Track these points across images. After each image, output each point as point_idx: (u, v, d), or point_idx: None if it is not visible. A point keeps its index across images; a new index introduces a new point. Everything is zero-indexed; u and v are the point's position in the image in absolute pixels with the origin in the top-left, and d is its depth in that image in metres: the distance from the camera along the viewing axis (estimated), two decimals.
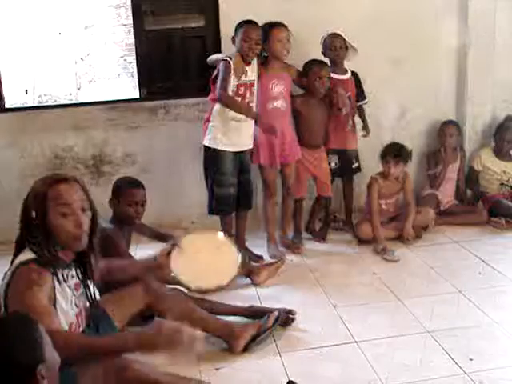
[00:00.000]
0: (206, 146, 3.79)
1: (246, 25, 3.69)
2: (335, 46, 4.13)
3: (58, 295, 2.12)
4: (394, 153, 4.15)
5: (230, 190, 3.79)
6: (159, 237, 3.39)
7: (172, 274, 2.43)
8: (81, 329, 2.29)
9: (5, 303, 2.07)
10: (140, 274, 2.65)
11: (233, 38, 3.75)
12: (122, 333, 2.24)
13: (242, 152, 3.84)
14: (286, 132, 3.96)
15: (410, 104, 4.75)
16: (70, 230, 2.10)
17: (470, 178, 4.77)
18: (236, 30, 3.73)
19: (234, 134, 3.73)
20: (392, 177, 4.20)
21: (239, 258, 2.61)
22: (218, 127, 3.71)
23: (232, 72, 3.61)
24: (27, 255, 2.09)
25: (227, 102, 3.63)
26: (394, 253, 3.95)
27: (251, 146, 3.88)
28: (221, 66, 3.62)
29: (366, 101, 4.35)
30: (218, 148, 3.73)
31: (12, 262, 2.15)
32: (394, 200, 4.31)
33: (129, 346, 1.96)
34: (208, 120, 3.78)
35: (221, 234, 2.75)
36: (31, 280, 2.02)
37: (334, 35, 4.13)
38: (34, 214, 2.09)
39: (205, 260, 2.50)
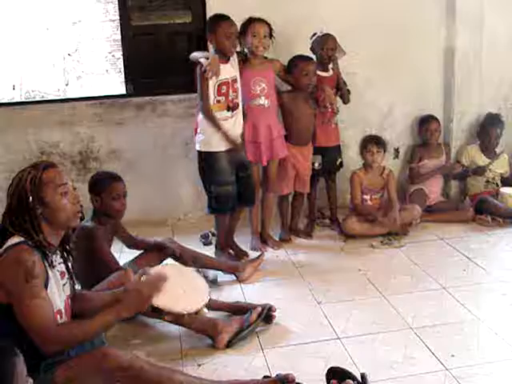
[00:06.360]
0: (199, 151, 3.76)
1: (222, 20, 3.62)
2: (328, 47, 4.11)
3: (50, 278, 2.19)
4: (375, 140, 4.25)
5: (230, 188, 3.76)
6: (137, 244, 3.43)
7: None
8: (65, 319, 2.30)
9: None
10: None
11: (209, 37, 3.66)
12: (107, 308, 2.26)
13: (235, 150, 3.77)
14: (273, 129, 3.94)
15: (398, 101, 4.77)
16: (69, 207, 2.25)
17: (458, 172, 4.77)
18: (210, 27, 3.65)
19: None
20: (375, 164, 4.25)
21: (207, 285, 2.81)
22: (207, 130, 3.68)
23: (210, 76, 3.54)
24: (16, 240, 2.15)
25: (210, 121, 3.63)
26: (394, 239, 4.12)
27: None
28: (198, 76, 3.59)
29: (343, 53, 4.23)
30: (210, 150, 3.70)
31: None
32: (379, 196, 4.33)
33: (121, 314, 2.23)
34: (198, 122, 3.75)
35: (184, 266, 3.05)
36: (26, 269, 2.08)
37: (328, 36, 4.11)
38: (30, 198, 2.17)
39: (177, 287, 2.59)
